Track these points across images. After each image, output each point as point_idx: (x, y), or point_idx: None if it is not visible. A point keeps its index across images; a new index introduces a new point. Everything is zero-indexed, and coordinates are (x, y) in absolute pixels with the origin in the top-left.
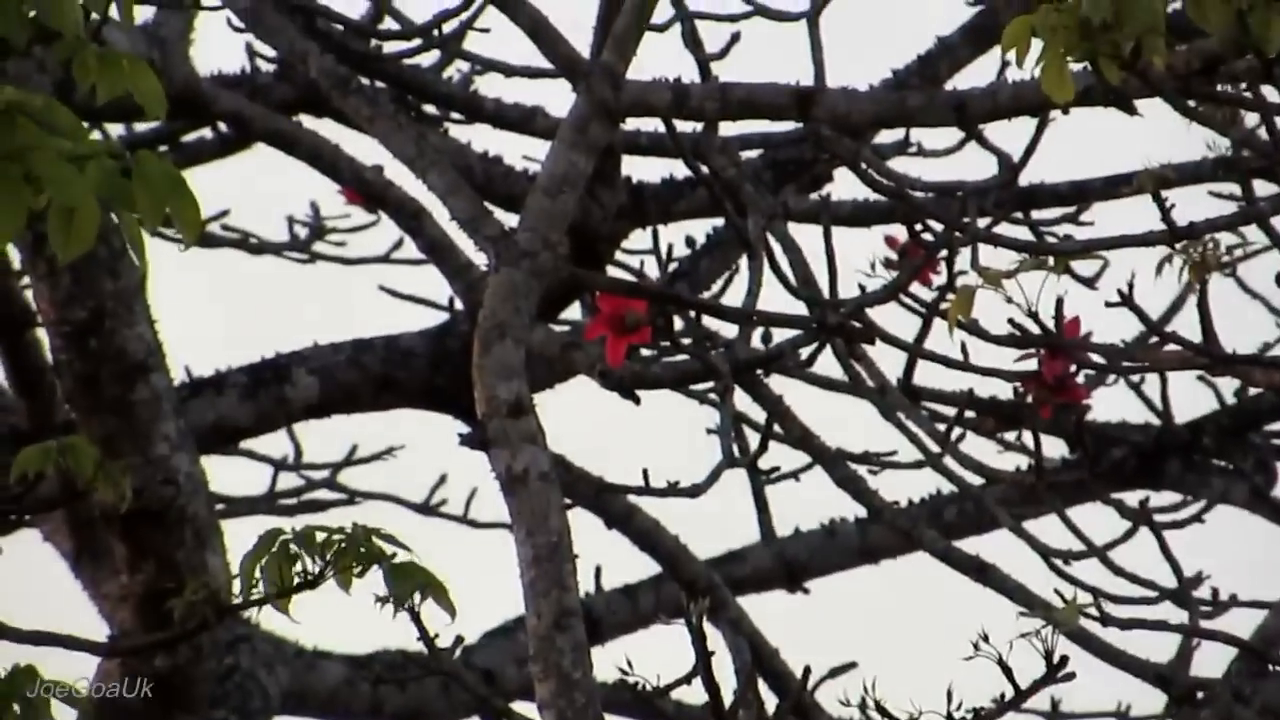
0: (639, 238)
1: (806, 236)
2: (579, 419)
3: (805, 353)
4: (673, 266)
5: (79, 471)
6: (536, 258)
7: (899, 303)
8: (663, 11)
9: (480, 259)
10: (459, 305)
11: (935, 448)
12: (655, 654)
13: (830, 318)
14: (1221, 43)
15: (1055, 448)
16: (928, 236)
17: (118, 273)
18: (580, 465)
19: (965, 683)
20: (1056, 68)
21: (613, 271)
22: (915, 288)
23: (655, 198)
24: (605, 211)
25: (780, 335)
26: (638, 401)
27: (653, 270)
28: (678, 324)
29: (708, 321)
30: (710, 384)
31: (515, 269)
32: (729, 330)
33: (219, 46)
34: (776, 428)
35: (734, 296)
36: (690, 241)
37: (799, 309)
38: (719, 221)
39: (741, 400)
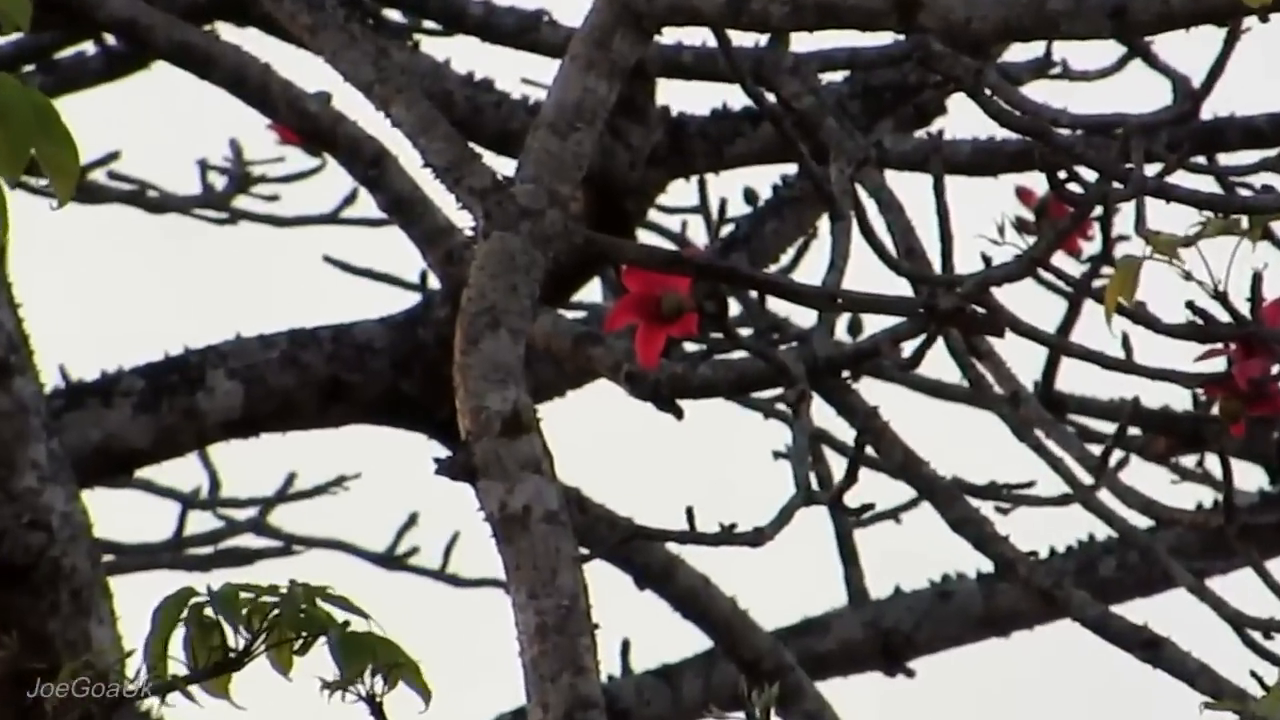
0: (681, 191)
1: (910, 189)
2: (600, 438)
3: (909, 348)
4: (727, 231)
5: None
6: (540, 218)
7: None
8: None
9: (464, 220)
10: (434, 283)
11: (1087, 478)
12: None
13: (943, 300)
14: None
15: (1251, 477)
16: (1076, 189)
17: None
18: (601, 502)
19: None
20: None
21: (644, 238)
22: (1059, 259)
23: (703, 136)
24: (634, 155)
25: (874, 325)
26: (680, 415)
27: (700, 236)
28: (734, 309)
29: (774, 306)
30: (779, 391)
31: (512, 234)
32: (804, 318)
33: None
34: (870, 450)
35: (811, 272)
36: (750, 196)
37: (900, 289)
38: (790, 169)
39: (822, 413)
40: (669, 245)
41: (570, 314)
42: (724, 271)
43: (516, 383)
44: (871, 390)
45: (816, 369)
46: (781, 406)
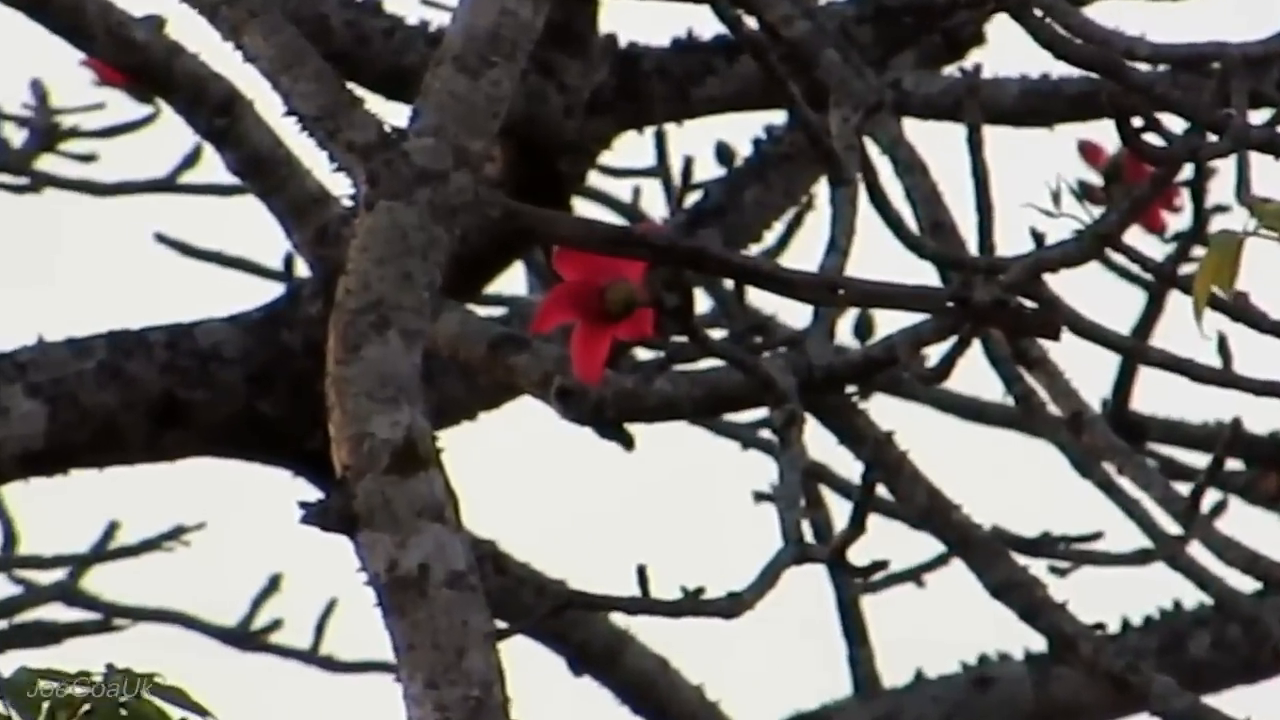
0: (633, 147)
1: (937, 144)
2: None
3: (934, 355)
4: (693, 199)
5: None
6: (443, 183)
7: (1105, 264)
8: None
9: (341, 185)
10: (302, 270)
11: (1173, 526)
12: None
13: (980, 292)
14: None
15: None
16: (1157, 142)
17: None
18: (526, 560)
19: None
20: None
21: (582, 209)
22: (1134, 236)
23: (662, 75)
24: (570, 100)
25: (889, 324)
26: (630, 445)
27: (658, 206)
28: (703, 303)
29: (757, 299)
30: (762, 412)
31: (405, 204)
32: (796, 315)
33: None
34: (883, 490)
35: (804, 254)
36: (725, 153)
37: (923, 276)
38: (778, 118)
39: (819, 441)
40: (616, 219)
41: (485, 310)
42: (690, 253)
43: (411, 402)
44: (886, 411)
45: (812, 383)
46: (766, 433)
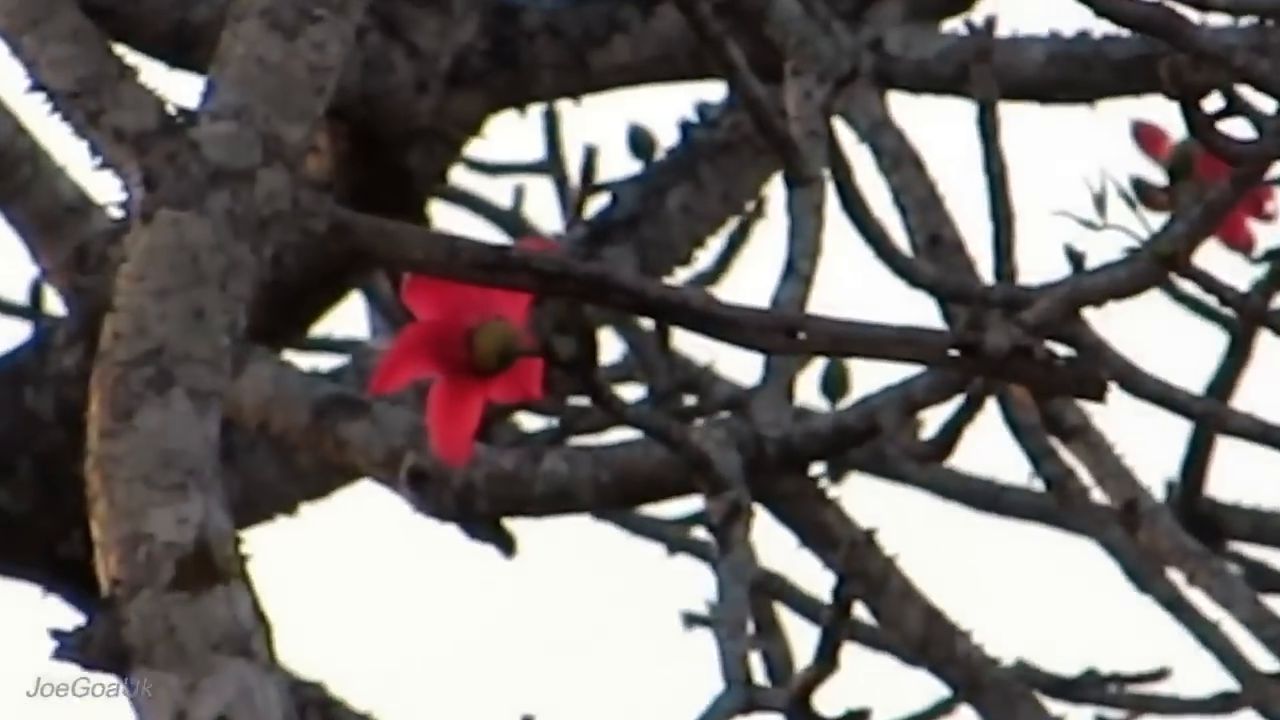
0: (513, 132)
1: (935, 129)
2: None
3: (932, 421)
4: (598, 205)
5: None
6: (248, 185)
7: (1170, 294)
8: None
9: (108, 188)
10: (54, 305)
11: (1267, 658)
12: None
13: (994, 335)
14: None
15: None
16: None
17: None
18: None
19: None
20: None
21: (444, 219)
22: (1209, 255)
23: (553, 34)
24: (425, 69)
25: (870, 379)
26: (510, 549)
27: (548, 214)
28: (612, 350)
29: (686, 343)
30: (695, 503)
31: (195, 214)
32: (740, 367)
33: None
34: (861, 609)
35: (751, 282)
36: (641, 142)
37: (917, 312)
38: (713, 92)
39: (775, 542)
40: (490, 233)
41: (309, 361)
42: (592, 281)
43: (204, 489)
44: (866, 500)
45: (763, 461)
46: (700, 531)
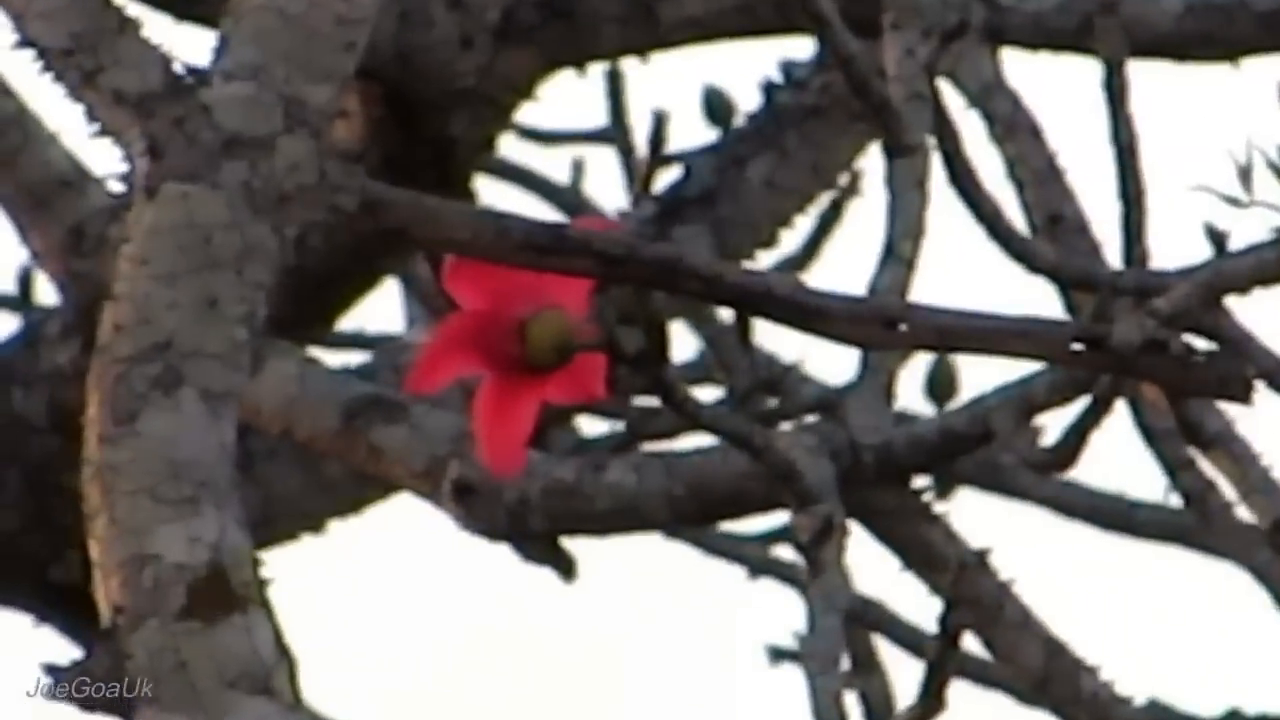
0: (572, 95)
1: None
2: (402, 616)
3: (1053, 426)
4: (668, 179)
5: None
6: (268, 155)
7: None
8: None
9: (108, 159)
10: (46, 293)
11: None
12: None
13: (1124, 327)
14: None
15: None
16: None
17: None
18: None
19: None
20: None
21: (491, 195)
22: None
23: None
24: (469, 22)
25: (980, 379)
26: (569, 572)
27: (612, 188)
28: (686, 345)
29: (770, 337)
30: (780, 519)
31: (207, 188)
32: (832, 364)
33: None
34: (971, 640)
35: (845, 265)
36: (715, 106)
37: (1035, 300)
38: (800, 49)
39: (871, 564)
40: (544, 211)
41: (338, 357)
42: (662, 266)
43: (219, 504)
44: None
45: (859, 472)
46: (785, 552)
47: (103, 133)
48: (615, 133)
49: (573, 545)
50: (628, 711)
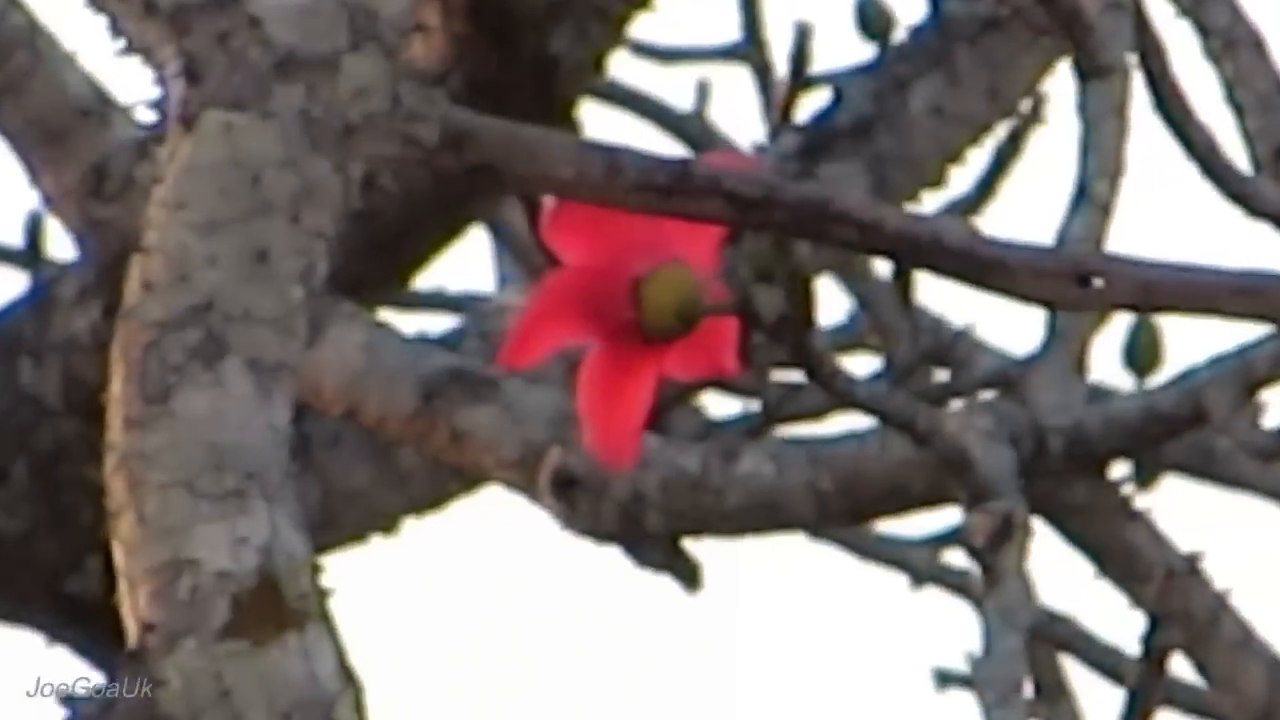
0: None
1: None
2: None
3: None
4: (813, 104)
5: None
6: (330, 77)
7: None
8: None
9: (136, 84)
10: (61, 245)
11: None
12: None
13: None
14: None
15: None
16: None
17: None
18: None
19: None
20: None
21: (599, 125)
22: None
23: None
24: None
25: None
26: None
27: (746, 121)
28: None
29: (935, 297)
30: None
31: (257, 117)
32: (1010, 329)
33: None
34: (1181, 662)
35: (1027, 210)
36: (870, 17)
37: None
38: None
39: (1058, 570)
40: (663, 144)
41: (414, 321)
42: (807, 210)
43: (271, 499)
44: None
45: (1044, 461)
46: (955, 557)
47: (129, 50)
48: (750, 49)
49: (698, 548)
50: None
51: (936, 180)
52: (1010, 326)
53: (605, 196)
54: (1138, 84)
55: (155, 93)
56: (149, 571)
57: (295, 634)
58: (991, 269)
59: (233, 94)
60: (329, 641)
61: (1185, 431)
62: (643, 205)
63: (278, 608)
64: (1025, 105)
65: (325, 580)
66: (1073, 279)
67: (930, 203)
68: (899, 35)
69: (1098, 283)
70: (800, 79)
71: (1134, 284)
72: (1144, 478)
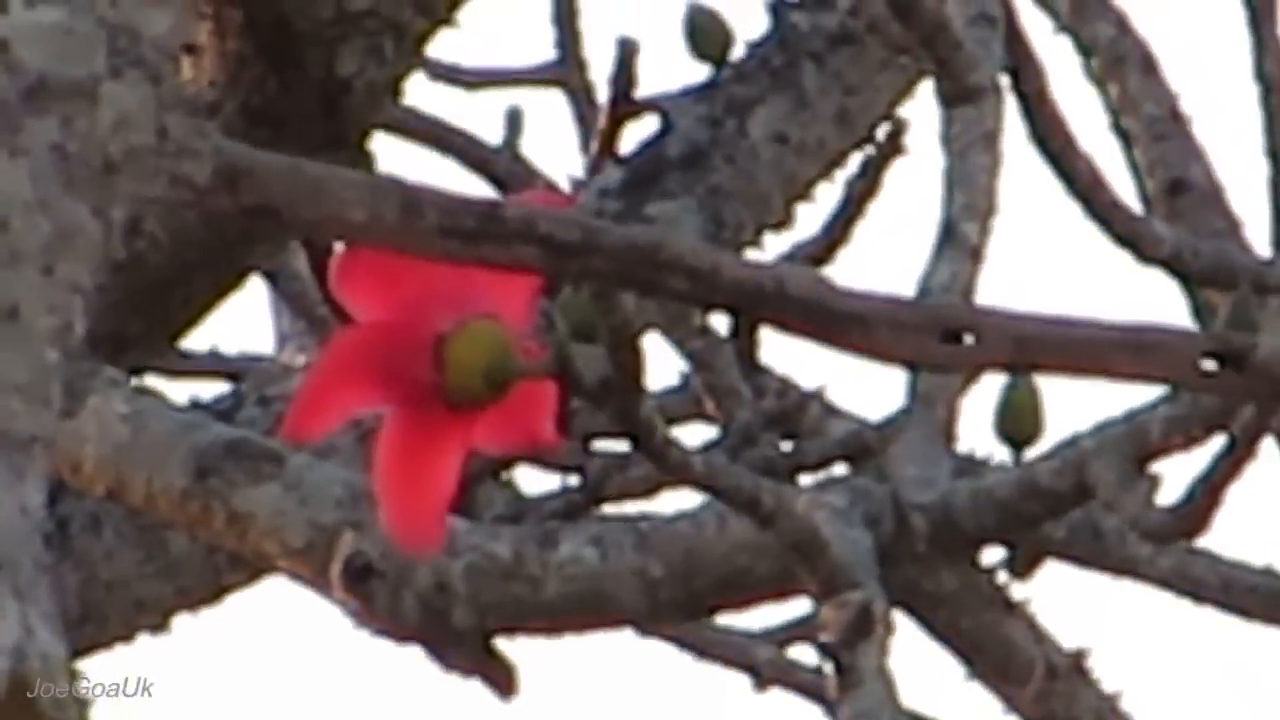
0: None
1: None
2: None
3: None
4: (638, 132)
5: None
6: (88, 107)
7: None
8: None
9: None
10: None
11: None
12: None
13: (1272, 336)
14: None
15: None
16: None
17: None
18: None
19: None
20: None
21: (394, 158)
22: None
23: None
24: None
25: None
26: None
27: (562, 153)
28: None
29: (781, 355)
30: (803, 611)
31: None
32: (867, 391)
33: None
34: None
35: (884, 252)
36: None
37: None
38: None
39: (923, 672)
40: (468, 182)
41: (184, 388)
42: (634, 257)
43: (22, 594)
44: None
45: (906, 544)
46: (804, 654)
47: None
48: (567, 70)
49: (511, 647)
50: None
51: (781, 219)
52: (866, 388)
53: (403, 242)
54: (1010, 109)
55: None
56: None
57: None
58: (845, 323)
59: None
60: None
61: (1068, 510)
62: (446, 252)
63: (30, 716)
64: (881, 133)
65: (85, 686)
66: (938, 334)
67: (774, 246)
68: (736, 52)
69: (967, 338)
70: (624, 104)
71: (1008, 339)
72: (1021, 564)
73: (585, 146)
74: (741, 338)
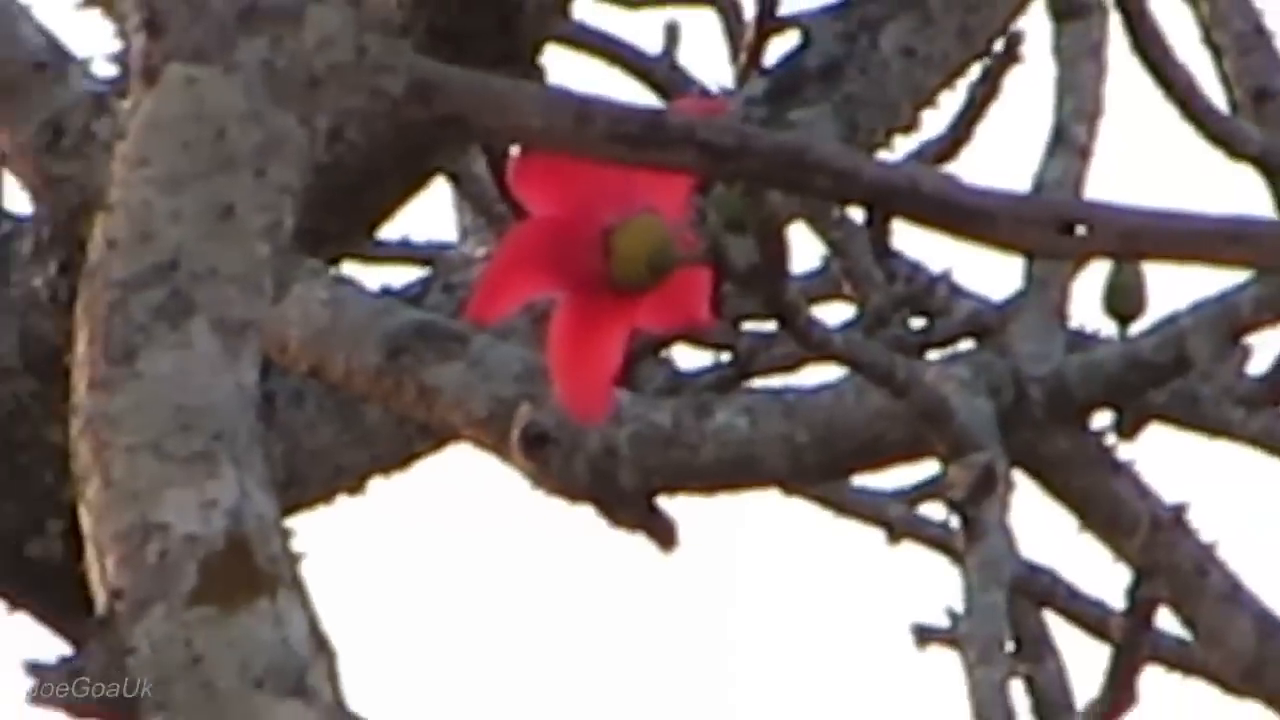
0: None
1: None
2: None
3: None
4: (781, 46)
5: None
6: (295, 27)
7: None
8: None
9: (96, 36)
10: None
11: None
12: None
13: None
14: None
15: None
16: None
17: None
18: None
19: None
20: None
21: (567, 70)
22: None
23: None
24: None
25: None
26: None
27: (713, 64)
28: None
29: (911, 243)
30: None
31: (220, 70)
32: (988, 276)
33: None
34: (1167, 617)
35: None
36: None
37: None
38: None
39: (1039, 523)
40: (632, 90)
41: (379, 273)
42: (780, 159)
43: (240, 462)
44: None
45: (1025, 411)
46: (934, 511)
47: (89, 3)
48: None
49: (671, 505)
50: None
51: (908, 124)
52: (988, 271)
53: (575, 146)
54: (1115, 24)
55: (113, 46)
56: (116, 536)
57: (266, 599)
58: (972, 217)
59: (195, 46)
60: (301, 606)
61: (1168, 379)
62: (613, 155)
63: (248, 572)
64: (999, 45)
65: (295, 543)
66: (1053, 226)
67: (902, 146)
68: None
69: (1079, 230)
70: (768, 21)
71: (1118, 231)
72: (1127, 427)
73: (734, 59)
74: (875, 227)
